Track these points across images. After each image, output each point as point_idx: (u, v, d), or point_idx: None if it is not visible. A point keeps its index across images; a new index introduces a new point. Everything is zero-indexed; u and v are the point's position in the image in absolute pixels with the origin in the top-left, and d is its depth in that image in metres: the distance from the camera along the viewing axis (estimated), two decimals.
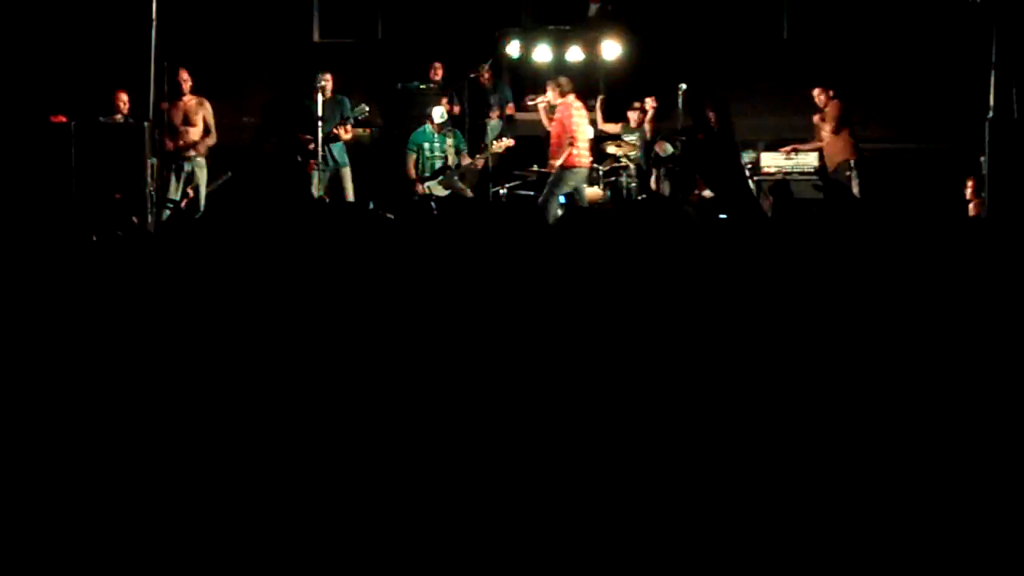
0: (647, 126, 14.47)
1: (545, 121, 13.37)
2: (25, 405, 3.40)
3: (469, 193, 13.38)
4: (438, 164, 13.43)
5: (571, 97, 12.74)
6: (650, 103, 14.49)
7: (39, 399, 3.44)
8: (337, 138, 13.46)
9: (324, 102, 13.38)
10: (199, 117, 13.03)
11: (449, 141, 13.57)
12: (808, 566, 2.80)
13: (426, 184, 13.37)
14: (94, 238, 7.04)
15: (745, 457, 3.10)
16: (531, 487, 2.98)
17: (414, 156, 13.52)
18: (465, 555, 2.80)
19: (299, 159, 13.57)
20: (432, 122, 13.47)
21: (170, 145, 12.90)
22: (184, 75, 13.04)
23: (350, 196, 13.48)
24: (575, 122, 12.60)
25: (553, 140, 12.83)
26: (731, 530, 2.86)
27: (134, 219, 12.66)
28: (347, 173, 13.67)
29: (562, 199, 12.85)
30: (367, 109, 13.74)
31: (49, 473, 3.06)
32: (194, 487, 3.01)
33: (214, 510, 2.90)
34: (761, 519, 2.89)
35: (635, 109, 14.56)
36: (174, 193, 12.87)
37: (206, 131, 13.08)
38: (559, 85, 12.73)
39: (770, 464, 3.07)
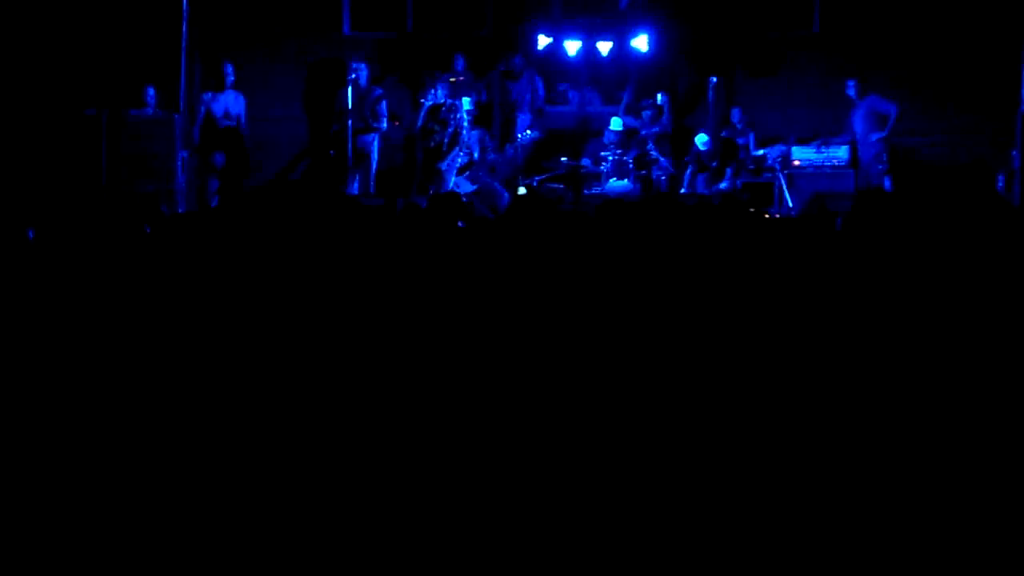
0: (667, 119, 14.46)
1: None
2: (39, 398, 3.42)
3: (496, 186, 13.38)
4: (463, 160, 13.41)
5: None
6: (660, 99, 14.56)
7: (50, 392, 3.47)
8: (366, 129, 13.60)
9: (356, 93, 13.49)
10: (237, 111, 13.17)
11: (475, 136, 13.56)
12: (808, 566, 2.80)
13: (454, 180, 13.36)
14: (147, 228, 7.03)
15: (748, 457, 3.09)
16: (533, 487, 2.98)
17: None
18: (465, 555, 2.81)
19: (332, 154, 13.70)
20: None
21: (209, 138, 13.03)
22: (230, 67, 13.15)
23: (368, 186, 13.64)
24: None
25: None
26: (731, 530, 2.86)
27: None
28: (371, 164, 13.79)
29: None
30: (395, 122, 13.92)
31: (54, 469, 3.08)
32: (196, 484, 3.02)
33: (215, 509, 2.92)
34: (761, 519, 2.89)
35: (648, 107, 14.58)
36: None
37: (241, 126, 13.22)
38: None
39: (774, 464, 3.06)
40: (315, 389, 3.49)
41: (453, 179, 13.14)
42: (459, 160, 13.29)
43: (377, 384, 3.50)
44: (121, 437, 3.31)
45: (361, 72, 13.67)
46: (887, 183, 13.27)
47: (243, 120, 13.33)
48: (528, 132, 13.86)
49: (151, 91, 13.04)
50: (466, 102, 13.59)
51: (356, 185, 13.59)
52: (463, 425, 3.21)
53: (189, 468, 3.13)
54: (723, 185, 13.90)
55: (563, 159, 14.04)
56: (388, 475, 3.03)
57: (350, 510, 2.95)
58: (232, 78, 13.22)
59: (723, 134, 14.39)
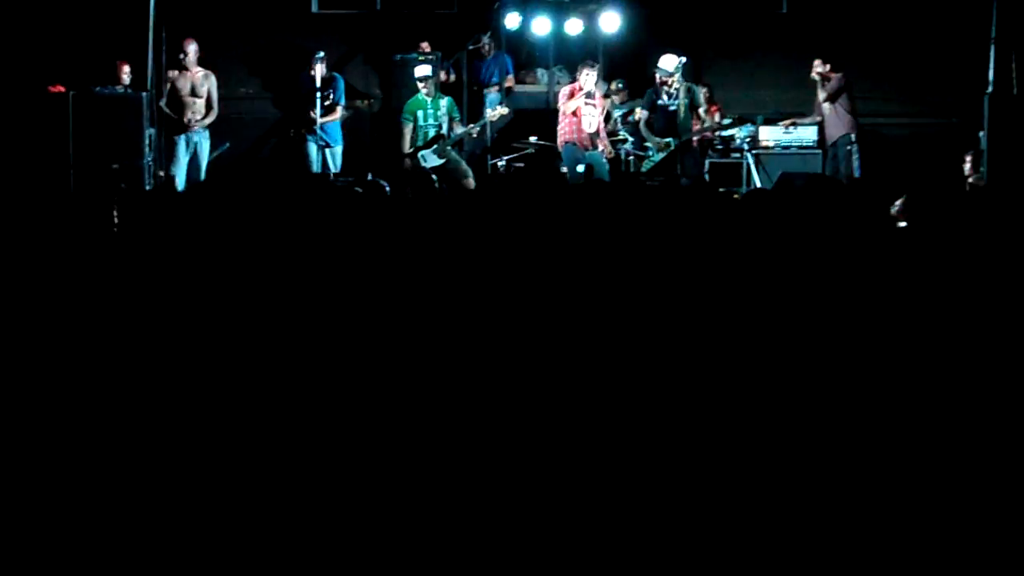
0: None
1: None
2: (25, 394, 3.39)
3: (463, 164, 13.39)
4: (432, 132, 13.37)
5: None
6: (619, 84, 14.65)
7: (37, 386, 3.44)
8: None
9: (321, 79, 13.44)
10: (204, 89, 13.07)
11: (443, 105, 13.50)
12: (808, 566, 2.80)
13: (420, 153, 13.31)
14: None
15: (746, 456, 3.10)
16: (531, 486, 2.97)
17: (410, 126, 13.45)
18: (465, 555, 2.80)
19: (294, 133, 13.69)
20: (419, 84, 13.46)
21: (176, 116, 12.94)
22: (192, 46, 13.05)
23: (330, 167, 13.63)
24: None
25: None
26: (731, 530, 2.86)
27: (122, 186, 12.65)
28: (338, 151, 13.76)
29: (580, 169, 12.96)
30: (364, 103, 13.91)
31: (51, 469, 3.06)
32: (194, 483, 3.00)
33: (213, 508, 2.90)
34: (761, 519, 2.89)
35: (616, 92, 14.61)
36: (182, 163, 12.91)
37: (209, 105, 13.12)
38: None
39: (772, 463, 3.07)
40: (298, 378, 3.47)
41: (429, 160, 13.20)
42: (430, 134, 13.33)
43: (363, 375, 3.48)
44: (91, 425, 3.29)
45: (320, 59, 13.60)
46: (856, 164, 13.34)
47: (214, 98, 13.24)
48: (498, 107, 13.81)
49: (123, 69, 12.85)
50: (420, 70, 13.54)
51: (321, 165, 13.56)
52: (451, 417, 3.20)
53: (160, 461, 3.11)
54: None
55: (532, 139, 14.01)
56: (375, 468, 3.02)
57: (335, 504, 2.94)
58: (194, 56, 13.10)
59: None
